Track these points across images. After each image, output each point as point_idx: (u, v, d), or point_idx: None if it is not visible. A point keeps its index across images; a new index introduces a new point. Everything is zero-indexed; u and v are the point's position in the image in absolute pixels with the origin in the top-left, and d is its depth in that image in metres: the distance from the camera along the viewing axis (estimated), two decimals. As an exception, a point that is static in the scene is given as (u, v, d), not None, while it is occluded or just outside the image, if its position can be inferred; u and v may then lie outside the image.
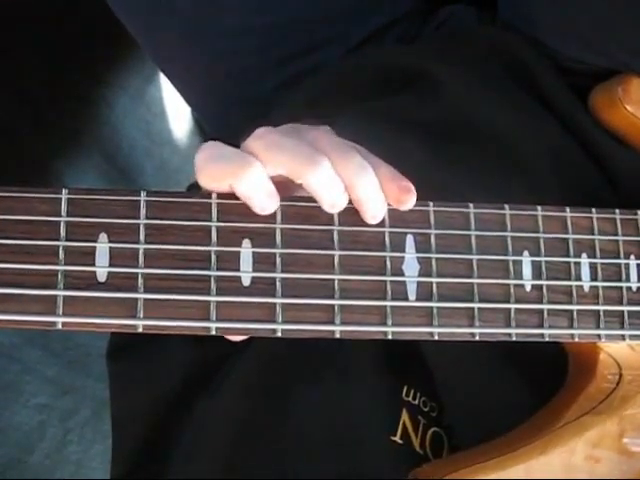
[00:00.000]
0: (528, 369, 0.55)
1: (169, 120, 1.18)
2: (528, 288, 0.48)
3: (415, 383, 0.57)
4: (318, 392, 0.55)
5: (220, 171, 0.43)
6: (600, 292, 0.50)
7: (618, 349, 0.51)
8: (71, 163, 1.05)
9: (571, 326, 0.49)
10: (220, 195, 0.44)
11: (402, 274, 0.46)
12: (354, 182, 0.44)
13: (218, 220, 0.43)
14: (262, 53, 0.77)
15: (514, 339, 0.47)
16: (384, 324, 0.45)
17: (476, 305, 0.47)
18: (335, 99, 0.69)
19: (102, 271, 0.41)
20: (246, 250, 0.44)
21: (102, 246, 0.42)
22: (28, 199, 0.41)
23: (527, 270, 0.48)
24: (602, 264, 0.50)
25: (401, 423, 0.55)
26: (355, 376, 0.56)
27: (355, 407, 0.55)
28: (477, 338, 0.47)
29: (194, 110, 1.07)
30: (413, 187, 0.45)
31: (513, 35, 0.71)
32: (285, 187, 0.45)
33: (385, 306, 0.45)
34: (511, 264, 0.48)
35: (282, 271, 0.44)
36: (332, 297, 0.44)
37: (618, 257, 0.51)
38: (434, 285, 0.46)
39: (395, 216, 0.46)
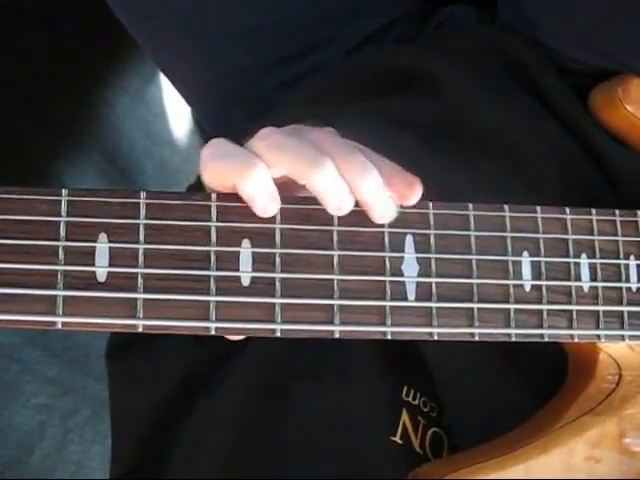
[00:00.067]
0: (528, 369, 0.55)
1: (169, 120, 1.18)
2: (528, 288, 0.48)
3: (415, 383, 0.57)
4: (318, 392, 0.55)
5: (225, 169, 0.43)
6: (600, 292, 0.50)
7: (618, 349, 0.51)
8: (71, 163, 1.05)
9: (571, 326, 0.49)
10: (220, 195, 0.44)
11: (401, 274, 0.46)
12: (358, 183, 0.43)
13: (218, 220, 0.43)
14: (262, 53, 0.77)
15: (513, 339, 0.47)
16: (383, 324, 0.45)
17: (475, 305, 0.47)
18: (335, 99, 0.69)
19: (102, 271, 0.42)
20: (245, 250, 0.44)
21: (102, 246, 0.42)
22: (28, 199, 0.41)
23: (527, 270, 0.48)
24: (602, 264, 0.50)
25: (401, 423, 0.55)
26: (355, 376, 0.56)
27: (355, 407, 0.55)
28: (476, 338, 0.47)
29: (194, 110, 1.07)
30: (418, 181, 0.45)
31: (513, 35, 0.71)
32: (288, 188, 0.45)
33: (384, 306, 0.45)
34: (510, 264, 0.48)
35: (281, 271, 0.44)
36: (331, 297, 0.44)
37: (618, 257, 0.51)
38: (433, 285, 0.46)
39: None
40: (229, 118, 0.82)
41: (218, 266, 0.43)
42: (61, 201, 0.42)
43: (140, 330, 0.42)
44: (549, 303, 0.48)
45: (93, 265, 0.41)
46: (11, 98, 0.99)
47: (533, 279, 0.48)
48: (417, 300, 0.46)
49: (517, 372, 0.56)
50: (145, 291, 0.42)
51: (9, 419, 0.94)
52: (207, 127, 0.99)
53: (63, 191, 0.42)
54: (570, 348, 0.53)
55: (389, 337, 0.45)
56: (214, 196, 0.44)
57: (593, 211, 0.51)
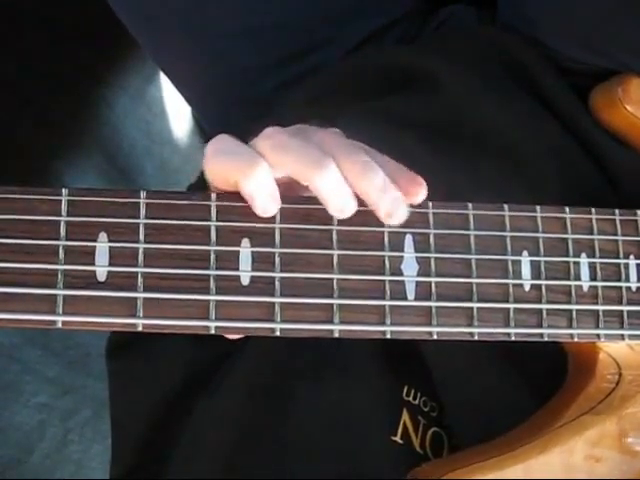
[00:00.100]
0: (528, 369, 0.55)
1: (169, 120, 1.18)
2: (527, 288, 0.48)
3: (415, 383, 0.57)
4: (318, 392, 0.55)
5: (228, 166, 0.43)
6: (599, 292, 0.50)
7: (617, 349, 0.51)
8: (71, 163, 1.05)
9: (570, 326, 0.49)
10: (219, 195, 0.44)
11: (401, 274, 0.46)
12: (362, 183, 0.43)
13: (217, 220, 0.43)
14: (262, 53, 0.77)
15: (513, 339, 0.47)
16: (383, 323, 0.45)
17: (475, 305, 0.47)
18: (335, 99, 0.69)
19: (102, 270, 0.42)
20: (245, 250, 0.44)
21: (102, 246, 0.42)
22: (28, 199, 0.41)
23: (526, 270, 0.48)
24: (601, 264, 0.50)
25: (401, 423, 0.55)
26: (355, 376, 0.56)
27: (355, 407, 0.55)
28: (476, 338, 0.47)
29: (194, 110, 1.07)
30: (423, 180, 0.45)
31: (513, 35, 0.71)
32: (290, 187, 0.45)
33: (384, 305, 0.45)
34: (510, 264, 0.48)
35: (281, 270, 0.44)
36: (331, 296, 0.44)
37: (617, 257, 0.51)
38: (433, 285, 0.46)
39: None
40: (229, 118, 0.82)
41: (218, 265, 0.43)
42: (61, 201, 0.42)
43: (140, 329, 0.42)
44: (549, 302, 0.48)
45: (93, 264, 0.41)
46: (11, 98, 0.99)
47: (533, 278, 0.48)
48: (417, 299, 0.46)
49: (517, 372, 0.56)
50: (145, 290, 0.42)
51: (9, 419, 0.94)
52: (207, 127, 0.99)
53: (63, 191, 0.42)
54: (570, 348, 0.53)
55: (389, 336, 0.45)
56: (214, 196, 0.44)
57: (593, 210, 0.51)
